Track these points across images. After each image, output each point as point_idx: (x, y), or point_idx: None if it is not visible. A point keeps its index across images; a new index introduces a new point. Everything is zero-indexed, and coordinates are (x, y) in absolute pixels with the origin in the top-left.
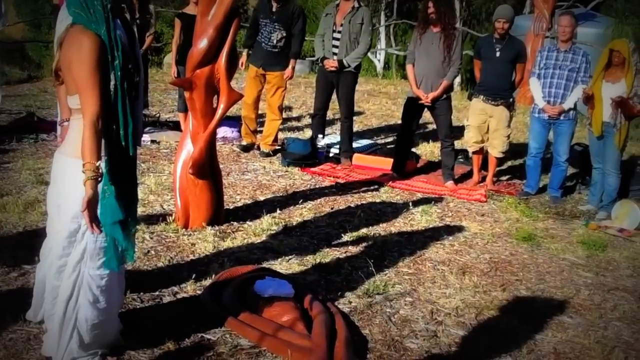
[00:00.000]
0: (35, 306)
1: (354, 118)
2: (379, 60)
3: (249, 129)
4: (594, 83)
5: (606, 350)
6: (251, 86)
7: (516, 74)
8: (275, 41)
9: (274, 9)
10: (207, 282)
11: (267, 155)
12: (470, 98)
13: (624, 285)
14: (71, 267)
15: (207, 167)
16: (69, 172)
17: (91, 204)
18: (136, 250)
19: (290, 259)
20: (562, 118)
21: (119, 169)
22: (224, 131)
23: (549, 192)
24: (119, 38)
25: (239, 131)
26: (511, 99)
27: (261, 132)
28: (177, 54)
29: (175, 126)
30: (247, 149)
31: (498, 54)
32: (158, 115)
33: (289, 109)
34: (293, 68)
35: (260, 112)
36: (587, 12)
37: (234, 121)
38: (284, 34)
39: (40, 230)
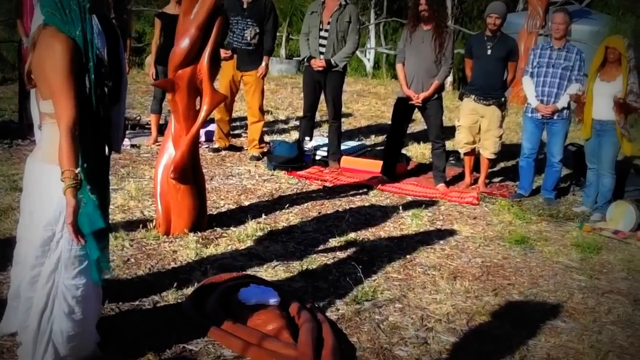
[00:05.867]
0: (8, 316)
1: (343, 119)
2: (368, 60)
3: (222, 132)
4: (589, 82)
5: (600, 355)
6: (225, 88)
7: (508, 73)
8: (249, 38)
9: (245, 5)
10: (189, 290)
11: (258, 158)
12: (461, 98)
13: (618, 288)
14: (45, 277)
15: (189, 171)
16: (42, 179)
17: (75, 214)
18: (114, 258)
19: (275, 265)
20: (555, 118)
21: (95, 176)
22: None
23: (543, 194)
24: (94, 40)
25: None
26: (503, 99)
27: (236, 135)
28: (157, 54)
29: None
30: (218, 151)
31: (489, 52)
32: (139, 118)
33: (276, 110)
34: (267, 65)
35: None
36: (581, 9)
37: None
38: (257, 30)
39: (14, 239)
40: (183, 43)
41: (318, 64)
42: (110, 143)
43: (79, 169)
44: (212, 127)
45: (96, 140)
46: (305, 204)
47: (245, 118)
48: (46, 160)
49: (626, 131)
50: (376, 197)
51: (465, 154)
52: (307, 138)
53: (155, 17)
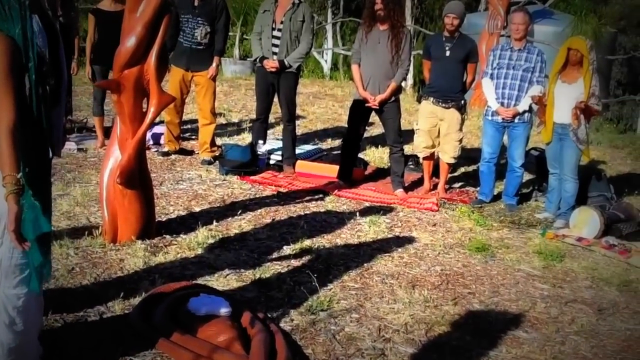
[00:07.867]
0: None
1: (298, 122)
2: (326, 61)
3: (172, 135)
4: (550, 84)
5: None
6: (175, 89)
7: (467, 75)
8: (199, 37)
9: (195, 3)
10: (136, 300)
11: (210, 163)
12: (419, 100)
13: (582, 297)
14: None
15: (136, 175)
16: None
17: (17, 220)
18: (59, 267)
19: (227, 274)
20: (516, 121)
21: (37, 180)
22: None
23: (504, 200)
24: (35, 38)
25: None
26: (463, 101)
27: (186, 138)
28: (92, 53)
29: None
30: (167, 155)
31: (448, 53)
32: (85, 120)
33: (229, 112)
34: (217, 66)
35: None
36: (544, 9)
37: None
38: (209, 30)
39: None
40: (129, 42)
41: (271, 64)
42: (53, 146)
43: (20, 174)
44: (161, 129)
45: (38, 143)
46: (259, 211)
47: (196, 120)
48: None
49: (577, 139)
50: (332, 203)
51: (424, 158)
52: (260, 141)
53: (89, 13)
